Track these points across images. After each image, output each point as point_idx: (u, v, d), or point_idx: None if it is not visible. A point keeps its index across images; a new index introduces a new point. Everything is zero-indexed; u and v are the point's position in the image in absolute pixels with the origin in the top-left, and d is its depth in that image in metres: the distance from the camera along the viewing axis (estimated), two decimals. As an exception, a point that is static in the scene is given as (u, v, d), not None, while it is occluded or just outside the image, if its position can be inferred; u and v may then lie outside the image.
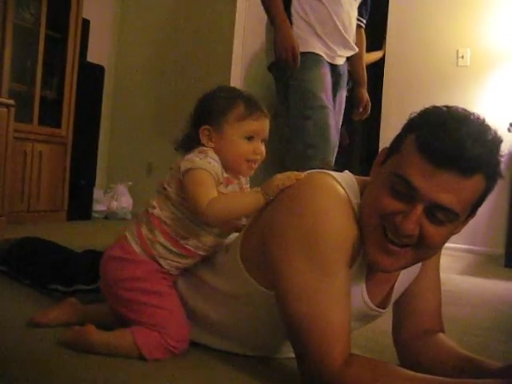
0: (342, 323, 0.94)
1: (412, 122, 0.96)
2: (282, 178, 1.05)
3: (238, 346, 1.22)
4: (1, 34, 3.28)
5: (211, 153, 1.16)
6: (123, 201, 4.35)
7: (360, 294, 1.07)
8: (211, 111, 1.19)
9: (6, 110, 3.08)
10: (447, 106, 0.96)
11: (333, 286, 0.94)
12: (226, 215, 1.13)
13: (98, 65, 4.19)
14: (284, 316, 0.99)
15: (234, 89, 1.28)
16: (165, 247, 1.18)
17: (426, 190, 0.88)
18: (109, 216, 4.30)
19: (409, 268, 1.11)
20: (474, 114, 0.93)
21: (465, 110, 0.94)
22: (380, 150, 1.05)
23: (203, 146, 1.19)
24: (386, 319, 1.22)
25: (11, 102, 3.14)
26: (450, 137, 0.86)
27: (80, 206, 4.00)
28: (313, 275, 0.94)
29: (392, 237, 0.94)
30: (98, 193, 4.26)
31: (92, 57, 4.21)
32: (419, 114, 0.97)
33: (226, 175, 1.17)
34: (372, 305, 1.10)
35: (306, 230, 0.96)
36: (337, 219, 0.97)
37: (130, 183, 4.46)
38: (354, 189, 1.03)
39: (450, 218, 0.91)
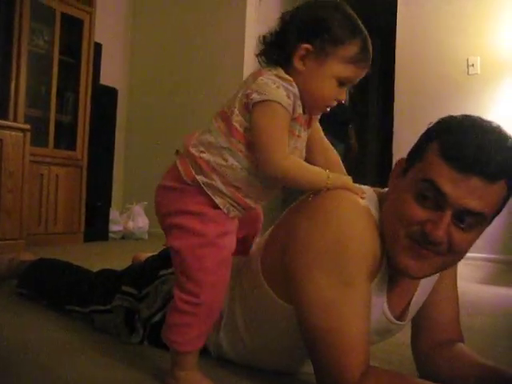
0: (361, 335, 0.93)
1: (432, 131, 0.97)
2: (348, 183, 1.03)
3: (255, 360, 1.21)
4: (16, 61, 3.35)
5: (291, 82, 0.99)
6: (139, 221, 4.37)
7: (381, 307, 1.06)
8: (326, 32, 0.99)
9: (22, 134, 3.13)
10: (465, 115, 0.98)
11: (353, 298, 0.94)
12: (290, 180, 1.01)
13: (111, 87, 4.25)
14: (303, 327, 0.99)
15: (356, 20, 1.03)
16: (225, 194, 1.05)
17: (454, 196, 0.89)
18: (126, 236, 4.32)
19: (427, 279, 1.11)
20: (491, 121, 0.95)
21: (482, 119, 0.95)
22: (394, 159, 1.05)
23: (290, 66, 1.02)
24: (404, 331, 1.21)
25: (27, 126, 3.19)
26: (475, 144, 0.88)
27: (97, 227, 4.03)
28: (333, 287, 0.94)
29: (421, 243, 0.94)
30: (114, 214, 4.29)
31: (105, 79, 4.27)
32: (438, 122, 0.98)
33: (299, 112, 1.02)
34: (392, 318, 1.09)
35: (328, 242, 0.96)
36: (359, 231, 0.97)
37: (146, 203, 4.48)
38: (374, 201, 1.04)
39: (479, 221, 0.92)
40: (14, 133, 3.09)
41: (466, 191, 0.89)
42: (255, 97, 0.97)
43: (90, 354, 1.31)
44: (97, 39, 4.02)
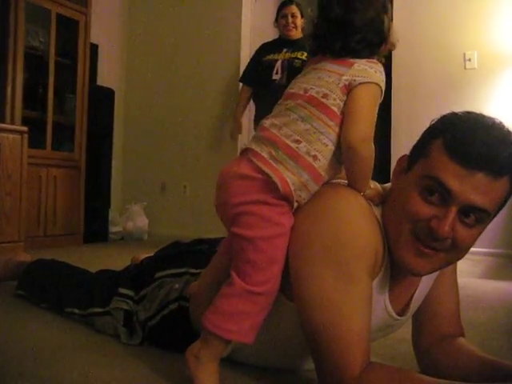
0: (361, 331, 0.93)
1: (436, 127, 0.97)
2: (375, 198, 1.04)
3: (257, 357, 1.21)
4: (12, 63, 3.35)
5: (381, 66, 1.04)
6: (139, 221, 4.37)
7: (383, 303, 1.06)
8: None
9: (19, 136, 3.13)
10: (468, 112, 0.98)
11: (354, 294, 0.94)
12: (360, 160, 1.00)
13: (108, 88, 4.25)
14: (304, 324, 0.99)
15: None
16: (311, 190, 1.03)
17: (460, 192, 0.89)
18: (125, 237, 4.32)
19: (428, 275, 1.11)
20: (493, 117, 0.96)
21: (484, 115, 0.95)
22: (392, 154, 1.05)
23: (386, 43, 1.06)
24: (405, 326, 1.21)
25: (24, 128, 3.18)
26: (480, 140, 0.89)
27: (96, 228, 4.03)
28: (334, 283, 0.94)
29: (425, 241, 0.94)
30: (113, 214, 4.29)
31: (102, 80, 4.27)
32: (442, 119, 0.98)
33: None
34: (394, 314, 1.09)
35: (328, 239, 0.96)
36: (359, 228, 0.97)
37: (145, 203, 4.49)
38: None
39: (483, 218, 0.92)
40: (11, 135, 3.08)
41: (471, 187, 0.89)
42: (359, 79, 1.00)
43: (90, 355, 1.31)
44: (93, 40, 4.02)
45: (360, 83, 1.00)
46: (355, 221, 0.97)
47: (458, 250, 0.95)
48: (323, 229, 0.97)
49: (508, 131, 0.93)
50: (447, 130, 0.94)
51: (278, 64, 3.55)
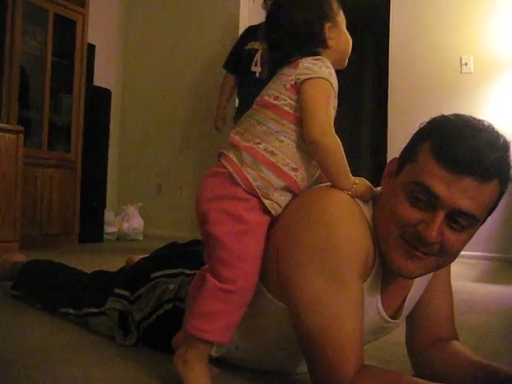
0: (354, 333, 0.93)
1: (424, 131, 0.97)
2: (366, 195, 1.04)
3: (250, 360, 1.21)
4: (8, 62, 3.34)
5: (327, 61, 1.09)
6: (134, 222, 4.37)
7: (375, 305, 1.06)
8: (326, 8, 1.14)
9: (15, 136, 3.13)
10: (456, 115, 0.98)
11: (345, 297, 0.94)
12: (327, 154, 1.03)
13: (104, 88, 4.24)
14: (296, 327, 0.99)
15: None
16: (269, 181, 1.06)
17: (446, 197, 0.89)
18: (120, 237, 4.32)
19: (421, 277, 1.11)
20: (483, 120, 0.95)
21: (473, 118, 0.95)
22: (388, 157, 1.05)
23: (323, 47, 1.12)
24: (399, 329, 1.21)
25: (20, 128, 3.18)
26: (467, 144, 0.88)
27: (91, 228, 4.02)
28: (325, 286, 0.94)
29: (414, 245, 0.94)
30: (108, 215, 4.28)
31: (98, 81, 4.26)
32: (430, 122, 0.98)
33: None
34: (386, 316, 1.09)
35: (319, 241, 0.96)
36: (350, 230, 0.97)
37: (140, 204, 4.48)
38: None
39: (471, 223, 0.92)
40: (7, 135, 3.08)
41: (459, 191, 0.89)
42: (302, 76, 1.05)
43: (84, 356, 1.30)
44: (90, 40, 4.02)
45: (305, 80, 1.05)
46: (346, 223, 0.97)
47: (446, 254, 0.95)
48: (314, 232, 0.97)
49: (497, 134, 0.92)
50: (434, 133, 0.94)
51: (258, 55, 3.30)
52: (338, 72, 1.12)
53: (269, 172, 1.05)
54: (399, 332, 1.23)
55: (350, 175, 1.04)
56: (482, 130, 0.92)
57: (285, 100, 1.07)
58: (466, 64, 3.95)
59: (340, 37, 1.14)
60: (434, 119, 0.98)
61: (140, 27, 4.87)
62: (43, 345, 1.38)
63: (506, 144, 0.92)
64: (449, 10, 4.05)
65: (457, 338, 1.19)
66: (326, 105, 1.05)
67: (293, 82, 1.06)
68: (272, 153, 1.05)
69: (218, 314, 1.04)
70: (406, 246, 0.95)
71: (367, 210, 1.02)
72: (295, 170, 1.06)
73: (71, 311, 1.55)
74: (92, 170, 4.01)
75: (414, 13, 4.19)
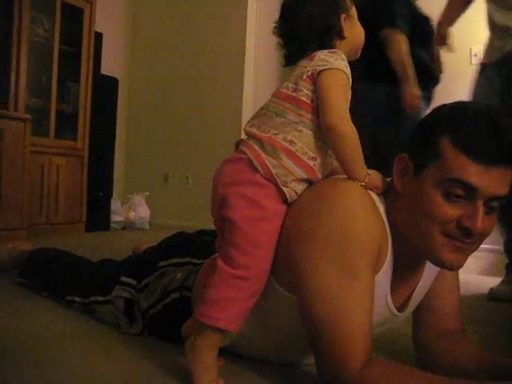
0: (363, 325, 0.93)
1: (438, 125, 0.96)
2: (379, 185, 1.05)
3: (257, 351, 1.21)
4: (16, 51, 3.34)
5: (342, 54, 1.11)
6: (141, 211, 4.38)
7: (384, 299, 1.06)
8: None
9: (22, 124, 3.13)
10: (460, 102, 1.00)
11: (356, 288, 0.93)
12: (344, 142, 1.04)
13: (111, 77, 4.24)
14: (305, 318, 0.99)
15: None
16: (288, 169, 1.06)
17: (484, 187, 0.91)
18: (127, 226, 4.33)
19: (429, 270, 1.10)
20: (483, 104, 0.98)
21: (476, 103, 0.96)
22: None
23: (340, 38, 1.15)
24: (405, 321, 1.21)
25: (28, 116, 3.18)
26: (489, 133, 0.90)
27: (98, 217, 4.03)
28: (337, 278, 0.94)
29: (459, 238, 0.95)
30: (115, 204, 4.29)
31: (106, 69, 4.25)
32: (440, 115, 0.98)
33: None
34: (395, 310, 1.09)
35: (332, 233, 0.96)
36: (363, 223, 0.97)
37: (147, 193, 4.49)
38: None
39: (501, 203, 0.95)
40: (14, 123, 3.09)
41: (494, 180, 0.91)
42: (319, 67, 1.06)
43: (89, 344, 1.31)
44: (97, 28, 4.00)
45: (321, 70, 1.06)
46: (359, 215, 0.97)
47: (483, 237, 0.97)
48: (327, 223, 0.97)
49: (498, 113, 0.95)
50: (452, 126, 0.94)
51: None
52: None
53: (288, 161, 1.05)
54: (405, 324, 1.23)
55: (365, 166, 1.04)
56: (498, 117, 0.94)
57: (302, 91, 1.08)
58: (476, 55, 3.91)
59: (354, 28, 1.17)
60: (442, 111, 0.99)
61: (147, 15, 4.85)
62: (49, 332, 1.38)
63: (510, 120, 0.95)
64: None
65: (463, 331, 1.19)
66: (343, 93, 1.07)
67: (309, 73, 1.07)
68: (291, 142, 1.06)
69: (230, 301, 1.03)
70: (452, 241, 0.95)
71: (380, 203, 1.02)
72: (313, 158, 1.06)
73: (77, 299, 1.56)
74: (99, 159, 4.02)
75: (423, 4, 4.14)
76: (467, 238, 0.94)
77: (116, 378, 1.09)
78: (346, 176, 1.06)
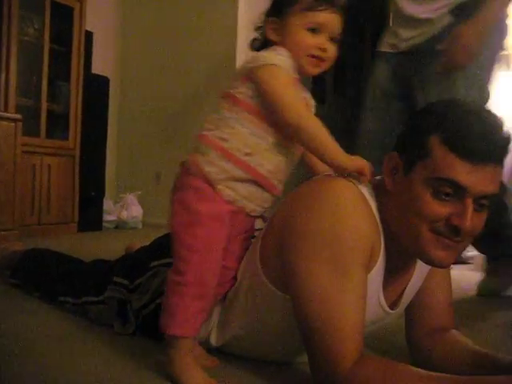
0: (355, 324, 0.93)
1: (427, 124, 0.97)
2: (365, 168, 1.02)
3: (251, 350, 1.21)
4: (6, 50, 3.31)
5: (281, 49, 1.10)
6: (133, 210, 4.36)
7: (376, 297, 1.06)
8: (277, 1, 1.15)
9: (13, 124, 3.11)
10: (447, 101, 1.01)
11: (348, 287, 0.94)
12: (308, 134, 1.03)
13: (102, 76, 4.21)
14: (298, 317, 0.99)
15: None
16: (221, 167, 1.07)
17: (473, 186, 0.91)
18: (119, 226, 4.31)
19: (421, 268, 1.11)
20: (472, 102, 0.98)
21: (464, 101, 0.98)
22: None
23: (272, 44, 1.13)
24: (397, 318, 1.21)
25: (18, 116, 3.16)
26: (479, 132, 0.91)
27: (90, 217, 4.01)
28: (328, 276, 0.94)
29: (448, 236, 0.96)
30: (107, 203, 4.27)
31: (96, 68, 4.23)
32: (429, 113, 0.99)
33: (294, 76, 1.11)
34: (387, 308, 1.09)
35: (324, 232, 0.96)
36: (356, 221, 0.97)
37: (139, 192, 4.47)
38: (368, 189, 1.04)
39: (490, 200, 0.96)
40: (5, 123, 3.06)
41: (483, 178, 0.91)
42: (248, 65, 1.08)
43: (82, 345, 1.31)
44: (88, 27, 3.98)
45: (253, 67, 1.08)
46: (351, 214, 0.97)
47: (473, 234, 0.98)
48: (319, 222, 0.97)
49: (493, 114, 0.96)
50: (440, 125, 0.94)
51: None
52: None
53: (220, 158, 1.07)
54: (397, 321, 1.24)
55: (342, 150, 1.03)
56: (484, 115, 0.94)
57: (237, 88, 1.10)
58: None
59: (288, 36, 1.12)
60: (429, 109, 1.00)
61: (138, 14, 4.83)
62: (40, 333, 1.38)
63: (500, 119, 0.95)
64: None
65: (455, 328, 1.19)
66: (286, 87, 1.06)
67: (243, 73, 1.10)
68: (224, 139, 1.08)
69: (174, 307, 1.05)
70: (440, 238, 0.96)
71: (371, 201, 1.02)
72: (248, 154, 1.07)
73: (70, 300, 1.55)
74: (91, 158, 3.99)
75: None
76: (456, 236, 0.95)
77: (109, 379, 1.09)
78: (329, 170, 1.07)
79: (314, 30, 1.09)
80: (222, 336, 1.20)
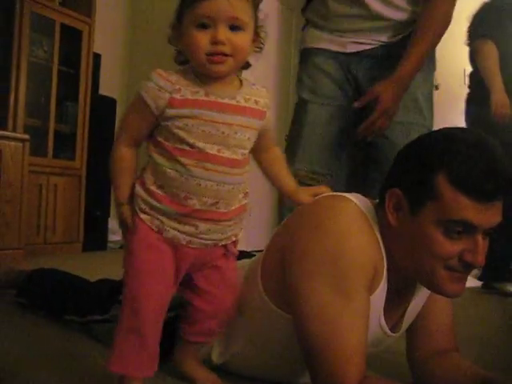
0: (357, 345, 0.94)
1: (433, 160, 0.95)
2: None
3: (252, 369, 1.22)
4: (15, 72, 3.37)
5: (155, 73, 1.04)
6: (138, 230, 4.36)
7: (378, 319, 1.07)
8: (178, 6, 1.01)
9: (21, 144, 3.14)
10: (449, 131, 0.98)
11: (351, 308, 0.94)
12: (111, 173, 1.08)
13: (109, 97, 4.26)
14: (300, 337, 0.99)
15: None
16: (141, 198, 1.04)
17: (484, 223, 0.93)
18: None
19: (422, 290, 1.11)
20: (479, 132, 0.97)
21: (464, 130, 0.97)
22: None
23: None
24: (400, 339, 1.21)
25: (26, 136, 3.19)
26: (487, 171, 0.91)
27: (95, 236, 4.02)
28: (331, 297, 0.95)
29: (461, 271, 0.97)
30: (112, 223, 4.28)
31: (104, 90, 4.28)
32: (435, 149, 0.96)
33: (188, 96, 0.98)
34: (388, 330, 1.10)
35: (327, 253, 0.96)
36: (358, 242, 0.98)
37: (144, 212, 4.48)
38: (370, 210, 1.04)
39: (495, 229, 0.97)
40: (13, 143, 3.10)
41: (492, 215, 0.93)
42: None
43: (88, 363, 1.31)
44: (96, 50, 4.04)
45: None
46: (354, 234, 0.98)
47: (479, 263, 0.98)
48: (322, 242, 0.98)
49: (497, 145, 0.95)
50: (445, 162, 0.93)
51: None
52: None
53: (140, 189, 1.05)
54: (399, 342, 1.24)
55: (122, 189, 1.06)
56: (492, 150, 0.93)
57: None
58: (470, 76, 3.95)
59: (183, 41, 1.01)
60: (433, 144, 0.97)
61: (145, 37, 4.90)
62: (45, 353, 1.38)
63: (499, 148, 0.95)
64: (452, 21, 4.05)
65: (457, 350, 1.19)
66: (124, 121, 1.08)
67: None
68: (143, 169, 1.07)
69: (114, 341, 1.04)
70: (454, 274, 0.97)
71: (373, 221, 1.03)
72: (161, 187, 1.03)
73: (75, 318, 1.56)
74: (96, 179, 4.02)
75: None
76: (467, 269, 0.97)
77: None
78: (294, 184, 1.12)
79: (203, 26, 0.94)
80: (223, 353, 1.20)
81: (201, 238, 1.03)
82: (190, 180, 0.98)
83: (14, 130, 3.33)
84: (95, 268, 3.00)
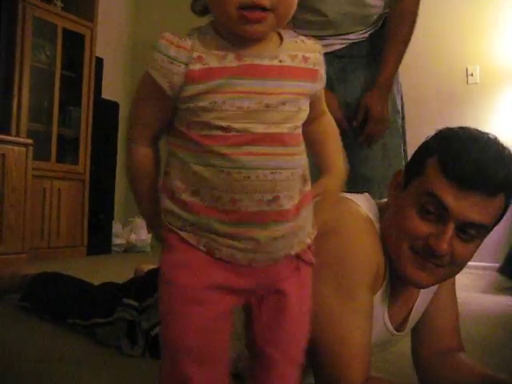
0: (362, 346, 0.93)
1: (430, 145, 0.98)
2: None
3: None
4: (18, 76, 3.38)
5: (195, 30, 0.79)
6: (142, 233, 4.38)
7: (382, 319, 1.06)
8: None
9: (24, 149, 3.15)
10: (462, 128, 0.99)
11: (354, 308, 0.94)
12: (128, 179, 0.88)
13: (112, 101, 4.28)
14: None
15: None
16: (171, 213, 0.80)
17: (457, 210, 0.90)
18: (128, 249, 4.32)
19: (427, 289, 1.11)
20: (488, 133, 0.97)
21: (479, 131, 0.97)
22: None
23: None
24: (405, 340, 1.21)
25: (29, 141, 3.21)
26: (474, 160, 0.90)
27: (99, 240, 4.03)
28: (335, 299, 0.95)
29: (425, 256, 0.95)
30: (116, 227, 4.29)
31: (106, 94, 4.30)
32: (437, 136, 0.99)
33: (202, 64, 0.73)
34: (393, 330, 1.09)
35: (331, 255, 0.96)
36: (362, 243, 0.98)
37: (148, 216, 4.49)
38: (374, 212, 1.05)
39: (480, 232, 0.94)
40: (16, 147, 3.11)
41: (468, 205, 0.90)
42: None
43: (91, 367, 1.31)
44: (98, 54, 4.06)
45: None
46: (357, 235, 0.98)
47: (455, 265, 0.97)
48: (325, 243, 0.98)
49: (502, 148, 0.94)
50: (442, 147, 0.95)
51: None
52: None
53: (167, 200, 0.80)
54: (405, 343, 1.23)
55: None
56: (489, 145, 0.93)
57: None
58: (472, 74, 3.96)
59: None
60: (441, 132, 1.00)
61: (147, 41, 4.91)
62: (49, 357, 1.39)
63: (511, 158, 0.93)
64: (455, 20, 4.06)
65: (463, 350, 1.19)
66: (134, 107, 0.85)
67: None
68: (166, 173, 0.83)
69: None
70: (418, 257, 0.96)
71: (376, 222, 1.03)
72: (195, 193, 0.76)
73: (79, 321, 1.56)
74: (100, 182, 4.04)
75: (420, 23, 4.20)
76: (432, 257, 0.95)
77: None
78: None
79: None
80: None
81: (265, 252, 0.75)
82: (234, 174, 0.71)
83: (18, 134, 3.34)
84: (99, 271, 3.01)
